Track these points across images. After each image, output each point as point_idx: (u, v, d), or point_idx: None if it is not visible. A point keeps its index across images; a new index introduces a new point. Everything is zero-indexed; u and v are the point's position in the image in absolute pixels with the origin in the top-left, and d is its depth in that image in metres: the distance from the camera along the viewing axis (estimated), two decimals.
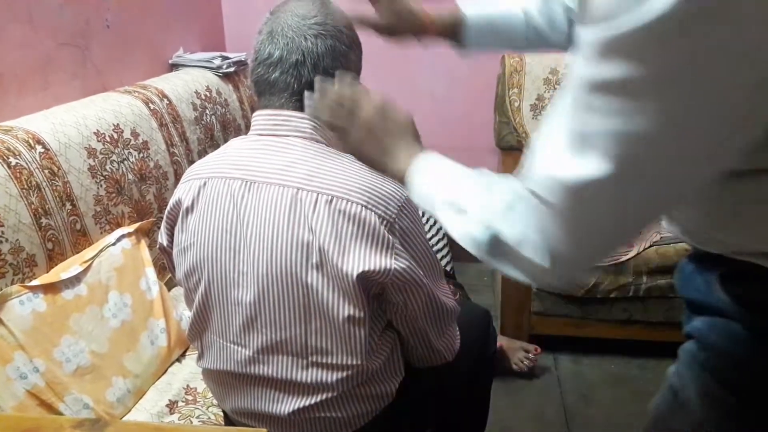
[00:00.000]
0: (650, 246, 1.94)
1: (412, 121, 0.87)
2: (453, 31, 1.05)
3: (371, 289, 0.95)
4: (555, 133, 0.57)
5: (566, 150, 0.55)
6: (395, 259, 0.94)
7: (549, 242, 0.60)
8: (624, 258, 1.93)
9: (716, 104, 0.49)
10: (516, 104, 2.36)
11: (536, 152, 0.60)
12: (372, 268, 0.93)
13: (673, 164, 0.52)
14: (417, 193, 0.79)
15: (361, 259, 0.93)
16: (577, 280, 0.68)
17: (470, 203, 0.70)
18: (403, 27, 1.04)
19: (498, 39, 1.07)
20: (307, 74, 0.98)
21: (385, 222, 0.93)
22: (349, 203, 0.92)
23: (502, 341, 1.99)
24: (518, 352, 2.03)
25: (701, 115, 0.49)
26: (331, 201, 0.92)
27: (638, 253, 1.93)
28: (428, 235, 1.78)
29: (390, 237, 0.93)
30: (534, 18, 1.03)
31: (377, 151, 0.85)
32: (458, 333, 1.13)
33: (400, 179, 0.81)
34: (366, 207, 0.93)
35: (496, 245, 0.65)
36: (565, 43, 1.04)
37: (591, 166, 0.53)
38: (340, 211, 0.92)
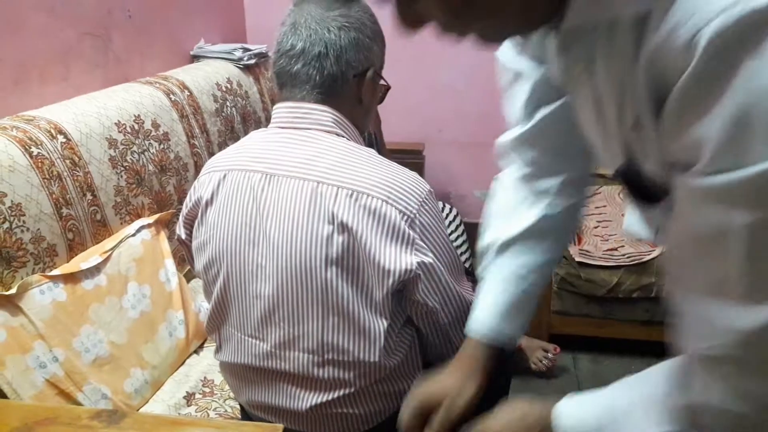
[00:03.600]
0: None
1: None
2: (499, 357, 0.92)
3: (391, 285, 0.94)
4: (712, 284, 0.53)
5: (739, 298, 0.51)
6: (415, 254, 0.93)
7: (752, 400, 0.55)
8: (647, 257, 1.90)
9: None
10: None
11: (701, 311, 0.55)
12: (393, 262, 0.91)
13: None
14: None
15: (382, 254, 0.91)
16: None
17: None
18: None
19: (529, 303, 0.91)
20: (329, 66, 0.97)
21: (405, 217, 0.92)
22: (370, 198, 0.91)
23: (521, 340, 1.97)
24: (537, 351, 2.01)
25: None
26: (351, 195, 0.91)
27: (662, 253, 1.90)
28: (448, 231, 1.76)
29: (410, 232, 0.92)
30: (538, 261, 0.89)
31: None
32: None
33: None
34: (386, 202, 0.91)
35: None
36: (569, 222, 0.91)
37: None
38: (360, 205, 0.91)
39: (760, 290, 0.50)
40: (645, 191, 0.62)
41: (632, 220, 0.83)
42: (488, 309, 0.89)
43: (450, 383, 0.88)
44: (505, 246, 0.89)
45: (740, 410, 0.56)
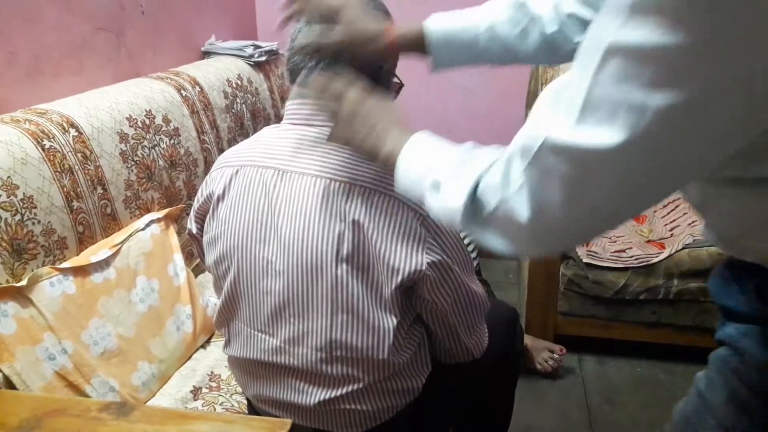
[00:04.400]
0: (682, 248, 1.91)
1: (396, 105, 0.86)
2: (418, 47, 0.98)
3: (401, 282, 0.94)
4: (565, 97, 0.54)
5: (577, 115, 0.52)
6: (427, 253, 0.93)
7: (538, 202, 0.58)
8: (655, 260, 1.89)
9: (752, 79, 0.46)
10: None
11: (542, 113, 0.58)
12: (403, 261, 0.91)
13: (687, 142, 0.50)
14: (405, 176, 0.78)
15: (393, 252, 0.91)
16: (551, 250, 0.67)
17: (452, 171, 0.69)
18: (358, 45, 0.94)
19: (464, 56, 0.99)
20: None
21: (417, 215, 0.92)
22: (382, 195, 0.91)
23: (527, 340, 1.97)
24: (543, 352, 2.01)
25: (733, 90, 0.47)
26: (363, 193, 0.91)
27: (670, 255, 1.90)
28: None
29: (422, 231, 0.92)
30: (505, 33, 0.96)
31: (361, 133, 0.84)
32: (487, 331, 1.12)
33: (391, 165, 0.80)
34: (399, 200, 0.91)
35: (477, 207, 0.65)
36: (536, 54, 0.98)
37: (603, 135, 0.50)
38: (372, 203, 0.91)
39: (596, 110, 0.51)
40: None
41: None
42: (444, 20, 0.98)
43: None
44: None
45: (518, 206, 0.60)
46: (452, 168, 0.69)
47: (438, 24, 0.98)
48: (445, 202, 0.68)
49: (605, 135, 0.50)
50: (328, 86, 0.87)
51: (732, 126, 0.49)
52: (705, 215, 0.73)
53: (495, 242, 0.65)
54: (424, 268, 0.92)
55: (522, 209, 0.59)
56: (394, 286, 0.93)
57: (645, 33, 0.46)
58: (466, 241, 2.00)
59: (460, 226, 0.67)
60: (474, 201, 0.65)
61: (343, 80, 0.87)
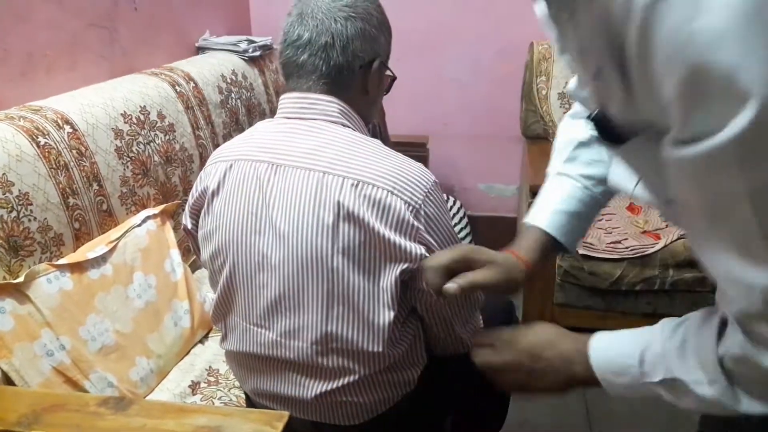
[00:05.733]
0: (678, 239, 1.91)
1: (563, 354, 0.81)
2: (551, 251, 0.95)
3: (397, 275, 0.94)
4: (744, 251, 0.53)
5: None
6: (420, 245, 0.93)
7: None
8: (651, 250, 1.90)
9: None
10: (543, 92, 2.32)
11: (734, 272, 0.56)
12: (397, 253, 0.92)
13: None
14: (622, 386, 0.74)
15: (387, 244, 0.92)
16: None
17: (682, 363, 0.67)
18: (511, 280, 0.90)
19: (583, 221, 0.97)
20: (335, 57, 0.97)
21: (410, 208, 0.92)
22: (375, 188, 0.92)
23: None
24: None
25: None
26: (356, 185, 0.92)
27: (665, 246, 1.90)
28: (452, 223, 1.76)
29: (415, 223, 0.92)
30: (595, 176, 0.94)
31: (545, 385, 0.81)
32: (482, 323, 1.12)
33: (586, 384, 0.77)
34: (392, 192, 0.92)
35: (733, 388, 0.63)
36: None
37: None
38: (365, 195, 0.91)
39: None
40: (612, 132, 0.63)
41: (616, 172, 0.85)
42: (552, 204, 0.94)
43: (499, 255, 0.91)
44: (575, 150, 0.95)
45: None
46: (678, 359, 0.68)
47: (548, 219, 0.95)
48: (700, 400, 0.66)
49: None
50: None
51: None
52: None
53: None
54: (419, 258, 0.92)
55: None
56: (389, 278, 0.94)
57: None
58: (462, 235, 2.01)
59: (725, 410, 0.66)
60: (731, 385, 0.63)
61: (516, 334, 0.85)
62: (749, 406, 0.63)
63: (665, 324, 0.72)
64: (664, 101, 0.49)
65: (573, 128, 0.98)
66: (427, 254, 0.94)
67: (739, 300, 0.57)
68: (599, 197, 0.96)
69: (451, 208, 2.28)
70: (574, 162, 0.96)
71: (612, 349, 0.76)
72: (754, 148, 0.46)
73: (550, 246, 0.95)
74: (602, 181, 0.94)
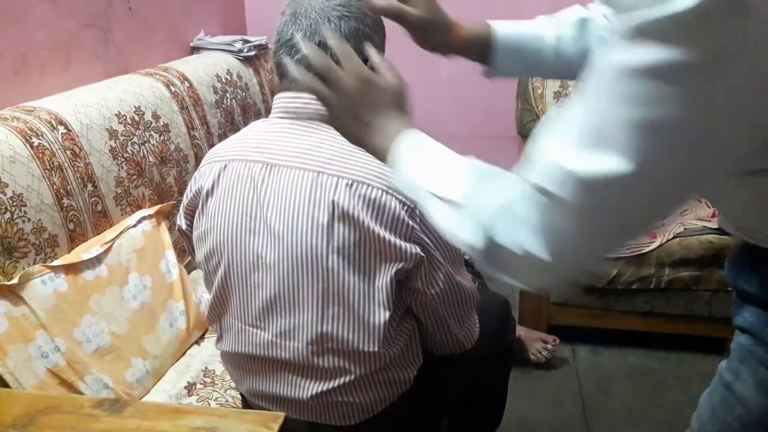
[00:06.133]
0: (673, 237, 1.91)
1: (400, 89, 0.76)
2: (481, 48, 0.95)
3: (392, 275, 0.94)
4: (568, 124, 0.54)
5: (582, 142, 0.52)
6: (415, 244, 0.93)
7: (555, 238, 0.56)
8: (647, 249, 1.90)
9: (749, 94, 0.47)
10: (539, 91, 2.32)
11: (544, 142, 0.57)
12: (392, 252, 0.92)
13: (696, 158, 0.50)
14: (401, 177, 0.71)
15: (381, 244, 0.92)
16: (579, 280, 0.64)
17: (463, 199, 0.64)
18: (436, 27, 0.91)
19: (526, 65, 0.98)
20: (329, 56, 0.97)
21: (405, 207, 0.92)
22: (370, 188, 0.91)
23: (520, 331, 1.98)
24: (536, 342, 2.02)
25: (732, 105, 0.48)
26: (351, 185, 0.92)
27: (661, 245, 1.91)
28: None
29: (410, 222, 0.92)
30: (567, 48, 0.94)
31: (357, 125, 0.75)
32: (478, 321, 1.12)
33: (382, 158, 0.73)
34: (387, 192, 0.91)
35: (494, 251, 0.61)
36: None
37: (611, 161, 0.50)
38: (360, 195, 0.91)
39: (600, 136, 0.50)
40: None
41: None
42: (519, 25, 0.96)
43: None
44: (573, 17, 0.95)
45: (537, 247, 0.57)
46: (468, 192, 0.65)
47: (505, 28, 0.95)
48: (461, 232, 0.64)
49: (616, 161, 0.50)
50: (321, 60, 0.75)
51: (739, 136, 0.50)
52: (718, 205, 0.73)
53: (511, 279, 0.63)
54: (413, 257, 0.92)
55: (541, 247, 0.57)
56: (384, 277, 0.93)
57: (649, 53, 0.46)
58: None
59: (473, 258, 0.65)
60: (489, 243, 0.61)
61: (349, 52, 0.77)
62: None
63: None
64: None
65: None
66: (423, 254, 0.94)
67: (543, 174, 0.56)
68: (557, 59, 0.95)
69: None
70: (564, 19, 0.96)
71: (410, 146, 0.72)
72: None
73: (486, 46, 0.95)
74: (570, 57, 0.94)
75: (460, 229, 0.64)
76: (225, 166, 1.00)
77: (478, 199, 0.64)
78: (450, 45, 0.93)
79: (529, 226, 0.57)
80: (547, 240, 0.57)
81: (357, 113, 0.75)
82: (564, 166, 0.53)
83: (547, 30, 0.95)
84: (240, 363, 1.09)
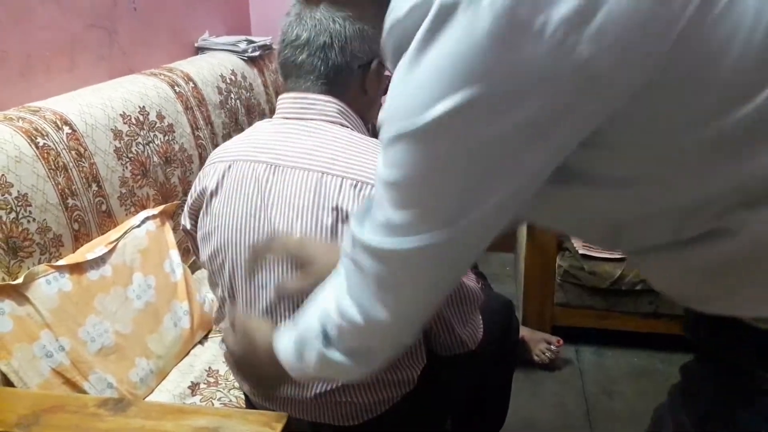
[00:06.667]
0: None
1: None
2: None
3: None
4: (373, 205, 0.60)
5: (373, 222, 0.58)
6: None
7: (361, 302, 0.63)
8: None
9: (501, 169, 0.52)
10: None
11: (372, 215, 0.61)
12: None
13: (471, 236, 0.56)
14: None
15: None
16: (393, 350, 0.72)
17: (297, 375, 0.77)
18: None
19: None
20: (334, 57, 0.97)
21: None
22: (374, 188, 0.91)
23: (523, 332, 1.97)
24: (540, 343, 2.02)
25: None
26: (356, 185, 0.92)
27: None
28: None
29: None
30: None
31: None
32: (482, 322, 1.12)
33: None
34: None
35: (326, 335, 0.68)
36: None
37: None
38: (364, 196, 0.91)
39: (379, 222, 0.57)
40: None
41: None
42: None
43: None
44: None
45: (346, 316, 0.64)
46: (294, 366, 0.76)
47: None
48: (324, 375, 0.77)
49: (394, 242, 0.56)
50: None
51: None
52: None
53: (347, 366, 0.69)
54: None
55: (355, 315, 0.63)
56: None
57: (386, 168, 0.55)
58: None
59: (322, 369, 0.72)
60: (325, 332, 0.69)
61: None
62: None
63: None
64: None
65: None
66: None
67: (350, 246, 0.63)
68: None
69: None
70: None
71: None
72: None
73: None
74: None
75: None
76: (229, 167, 1.01)
77: (305, 369, 0.74)
78: None
79: (343, 290, 0.65)
80: (357, 306, 0.63)
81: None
82: (361, 238, 0.60)
83: None
84: None
